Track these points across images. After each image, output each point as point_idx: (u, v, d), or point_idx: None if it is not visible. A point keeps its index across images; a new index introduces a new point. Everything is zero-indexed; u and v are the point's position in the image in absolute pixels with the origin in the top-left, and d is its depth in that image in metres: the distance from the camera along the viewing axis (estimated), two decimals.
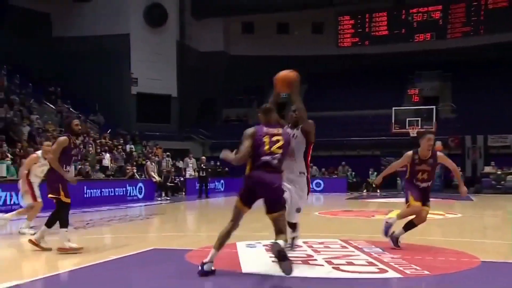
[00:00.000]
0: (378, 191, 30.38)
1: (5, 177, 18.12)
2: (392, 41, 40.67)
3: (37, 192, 11.62)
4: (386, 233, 8.55)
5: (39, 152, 11.88)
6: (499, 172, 30.20)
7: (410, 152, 8.86)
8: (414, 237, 8.96)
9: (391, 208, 18.12)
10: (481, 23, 39.57)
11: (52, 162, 8.77)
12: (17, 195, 17.01)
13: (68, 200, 8.59)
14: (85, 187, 20.17)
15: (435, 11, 40.92)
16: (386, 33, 41.63)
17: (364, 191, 30.99)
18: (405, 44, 40.16)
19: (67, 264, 7.53)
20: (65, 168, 8.70)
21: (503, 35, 37.19)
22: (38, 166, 11.63)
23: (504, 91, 35.17)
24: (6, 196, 16.85)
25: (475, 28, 39.71)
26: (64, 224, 8.41)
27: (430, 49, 39.30)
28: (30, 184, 11.59)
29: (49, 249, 8.44)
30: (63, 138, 8.80)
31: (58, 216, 8.47)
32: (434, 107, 32.81)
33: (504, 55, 36.42)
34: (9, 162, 18.91)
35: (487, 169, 30.85)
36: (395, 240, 8.51)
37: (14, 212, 11.92)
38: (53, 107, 29.02)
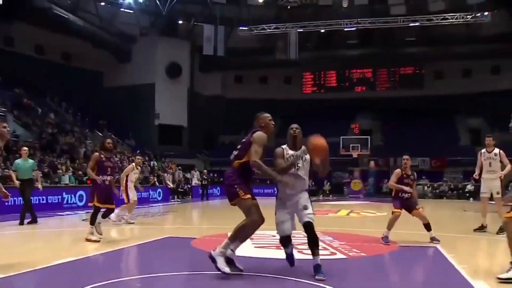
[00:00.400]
0: (330, 196, 30.33)
1: (68, 184, 18.02)
2: (339, 90, 40.90)
3: (130, 194, 11.64)
4: (385, 241, 7.81)
5: (133, 164, 11.95)
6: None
7: (398, 169, 8.44)
8: (356, 230, 8.90)
9: (339, 208, 18.12)
10: (397, 82, 40.33)
11: (88, 172, 8.51)
12: (74, 196, 17.08)
13: (98, 204, 8.03)
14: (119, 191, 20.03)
15: (368, 72, 41.42)
16: (335, 85, 41.87)
17: (320, 196, 30.90)
18: (349, 93, 40.41)
19: (108, 247, 7.39)
20: (102, 176, 8.04)
21: (411, 91, 38.10)
22: (133, 173, 11.76)
23: (413, 127, 35.66)
24: (68, 197, 16.80)
25: (393, 85, 40.39)
26: (92, 222, 7.99)
27: (365, 97, 39.61)
28: (126, 187, 11.57)
29: (98, 241, 7.85)
30: (95, 154, 8.42)
31: (91, 215, 8.11)
32: (368, 137, 33.05)
33: (412, 104, 37.06)
34: (71, 173, 18.80)
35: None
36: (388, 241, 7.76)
37: (119, 209, 11.16)
38: (101, 134, 28.91)
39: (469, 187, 28.28)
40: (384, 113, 37.94)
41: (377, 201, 23.66)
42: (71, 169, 19.48)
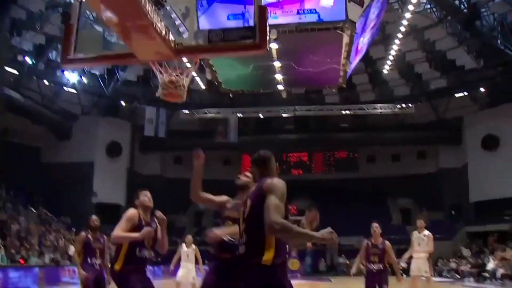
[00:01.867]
0: None
1: None
2: (277, 173, 41.96)
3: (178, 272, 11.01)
4: None
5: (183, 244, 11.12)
6: (347, 262, 31.57)
7: (365, 240, 8.18)
8: None
9: None
10: (332, 166, 42.00)
11: (73, 258, 8.02)
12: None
13: None
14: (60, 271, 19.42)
15: (304, 156, 42.99)
16: None
17: None
18: (285, 176, 41.43)
19: None
20: (91, 260, 7.34)
21: (344, 173, 39.86)
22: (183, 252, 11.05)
23: (348, 208, 37.13)
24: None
25: (328, 168, 42.02)
26: None
27: (302, 179, 40.95)
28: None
29: None
30: (81, 234, 7.65)
31: None
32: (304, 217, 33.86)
33: (347, 186, 38.97)
34: (3, 252, 18.00)
35: (340, 259, 31.87)
36: None
37: None
38: (35, 211, 28.08)
39: (402, 264, 29.43)
40: (320, 194, 39.31)
41: (315, 280, 24.08)
42: (2, 247, 18.72)
